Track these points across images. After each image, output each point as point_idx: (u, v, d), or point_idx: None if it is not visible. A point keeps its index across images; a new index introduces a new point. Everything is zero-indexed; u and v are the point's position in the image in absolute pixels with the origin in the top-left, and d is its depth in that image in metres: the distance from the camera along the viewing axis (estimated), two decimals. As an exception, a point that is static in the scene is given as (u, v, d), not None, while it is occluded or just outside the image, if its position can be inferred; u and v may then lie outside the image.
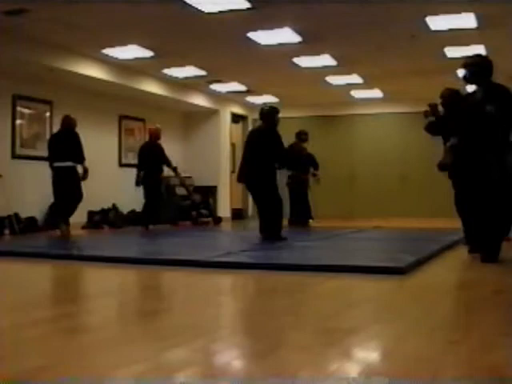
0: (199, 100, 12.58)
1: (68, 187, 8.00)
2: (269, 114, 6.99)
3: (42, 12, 7.06)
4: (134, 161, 10.91)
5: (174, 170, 9.70)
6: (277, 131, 6.97)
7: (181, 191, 11.29)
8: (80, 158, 8.13)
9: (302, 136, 10.33)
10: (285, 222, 10.46)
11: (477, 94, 4.87)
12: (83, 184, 8.20)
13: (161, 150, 9.49)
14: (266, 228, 6.95)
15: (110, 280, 4.38)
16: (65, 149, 8.06)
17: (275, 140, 6.86)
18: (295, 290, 3.80)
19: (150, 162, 9.27)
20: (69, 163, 8.05)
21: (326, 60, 9.71)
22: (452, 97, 6.59)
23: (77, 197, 8.10)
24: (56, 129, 9.84)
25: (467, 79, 5.00)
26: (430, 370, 1.97)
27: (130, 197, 10.81)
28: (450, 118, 6.60)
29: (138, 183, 9.30)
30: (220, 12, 7.06)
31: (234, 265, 4.65)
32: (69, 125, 8.20)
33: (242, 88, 12.17)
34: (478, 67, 4.89)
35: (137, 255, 5.41)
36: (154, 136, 9.59)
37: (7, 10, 6.94)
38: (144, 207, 9.37)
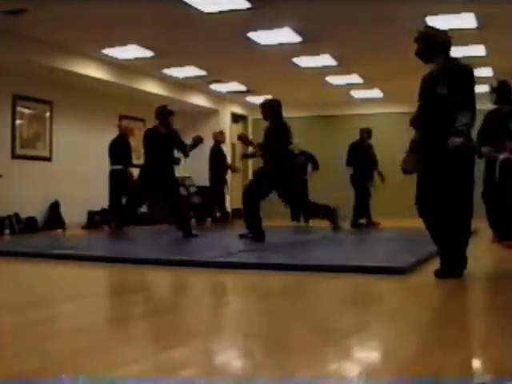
0: (199, 100, 12.58)
1: (120, 187, 8.95)
2: (160, 115, 7.32)
3: (41, 12, 7.06)
4: (135, 161, 10.90)
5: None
6: (157, 132, 7.25)
7: (181, 191, 11.29)
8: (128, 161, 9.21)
9: (364, 134, 9.82)
10: (284, 222, 10.46)
11: (432, 74, 4.15)
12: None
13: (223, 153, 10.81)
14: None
15: (109, 280, 4.38)
16: (116, 154, 9.01)
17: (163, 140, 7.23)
18: (295, 290, 3.80)
19: (218, 165, 10.52)
20: (119, 166, 8.99)
21: (326, 60, 9.71)
22: (270, 107, 6.99)
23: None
24: (56, 128, 9.88)
25: (419, 55, 4.22)
26: (430, 369, 1.97)
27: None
28: (274, 127, 6.91)
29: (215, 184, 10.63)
30: (220, 12, 7.07)
31: (234, 265, 4.64)
32: (120, 132, 9.29)
33: (242, 88, 12.17)
34: (429, 41, 4.14)
35: (137, 255, 5.40)
36: (217, 140, 10.68)
37: (7, 10, 6.94)
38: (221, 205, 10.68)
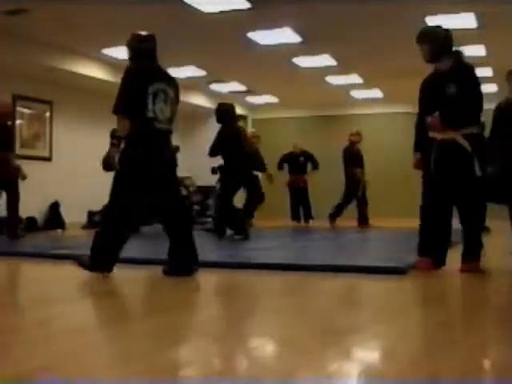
0: (199, 100, 12.58)
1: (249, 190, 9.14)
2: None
3: (42, 12, 7.06)
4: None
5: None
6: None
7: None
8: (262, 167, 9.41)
9: None
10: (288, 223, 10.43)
11: None
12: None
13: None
14: None
15: (109, 280, 4.38)
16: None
17: None
18: (295, 290, 3.80)
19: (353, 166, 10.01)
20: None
21: (326, 60, 9.71)
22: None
23: (258, 198, 9.24)
24: (56, 128, 9.89)
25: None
26: (430, 370, 1.97)
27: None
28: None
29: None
30: (220, 12, 7.07)
31: (234, 265, 4.64)
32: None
33: (242, 88, 12.17)
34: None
35: (136, 255, 5.40)
36: (351, 141, 10.13)
37: (7, 10, 6.95)
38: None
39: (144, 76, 4.07)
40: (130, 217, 4.15)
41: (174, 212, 4.24)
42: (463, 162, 4.16)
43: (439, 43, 4.35)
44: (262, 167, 9.55)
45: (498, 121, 5.04)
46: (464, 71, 4.28)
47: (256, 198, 9.28)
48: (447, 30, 4.40)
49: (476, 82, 4.24)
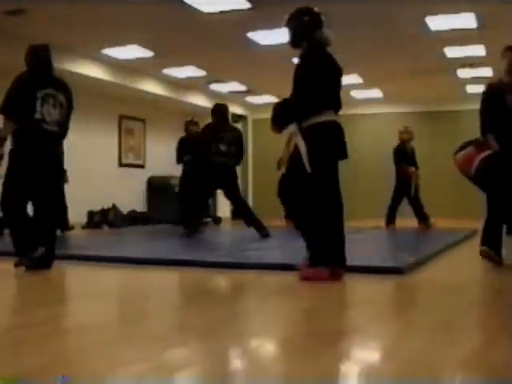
0: (199, 100, 12.58)
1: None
2: None
3: (41, 12, 7.06)
4: (134, 161, 10.92)
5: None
6: None
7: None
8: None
9: None
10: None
11: None
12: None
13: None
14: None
15: (110, 280, 4.38)
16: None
17: None
18: (295, 290, 3.79)
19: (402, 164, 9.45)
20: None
21: (325, 60, 9.71)
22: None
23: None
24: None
25: None
26: (430, 369, 1.97)
27: (130, 197, 10.81)
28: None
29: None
30: (220, 12, 7.07)
31: (234, 265, 4.64)
32: None
33: (242, 88, 12.17)
34: None
35: (136, 255, 5.40)
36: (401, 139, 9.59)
37: (6, 10, 6.95)
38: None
39: (34, 82, 4.52)
40: (20, 210, 4.53)
41: (45, 210, 4.61)
42: (295, 163, 3.83)
43: (299, 27, 3.97)
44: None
45: (491, 106, 4.40)
46: (312, 54, 3.75)
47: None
48: (311, 14, 3.96)
49: (311, 65, 3.73)
